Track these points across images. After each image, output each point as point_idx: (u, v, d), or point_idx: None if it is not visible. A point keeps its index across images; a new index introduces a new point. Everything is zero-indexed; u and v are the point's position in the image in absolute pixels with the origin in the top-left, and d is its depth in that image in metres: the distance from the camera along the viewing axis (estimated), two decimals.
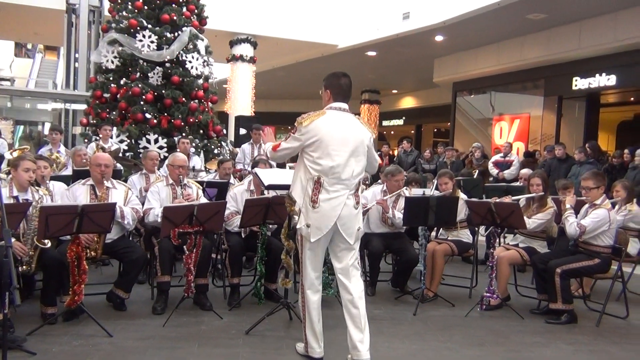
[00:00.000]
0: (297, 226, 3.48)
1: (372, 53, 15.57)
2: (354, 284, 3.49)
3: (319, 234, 3.43)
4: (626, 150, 8.82)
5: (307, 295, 3.54)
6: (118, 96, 8.95)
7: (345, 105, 3.55)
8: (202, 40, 9.47)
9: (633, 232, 5.64)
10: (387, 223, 5.52)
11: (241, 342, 3.99)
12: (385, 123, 23.69)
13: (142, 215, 4.88)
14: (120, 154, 7.78)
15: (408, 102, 23.61)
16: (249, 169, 7.14)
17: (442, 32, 13.01)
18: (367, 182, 6.89)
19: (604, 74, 11.94)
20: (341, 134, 3.43)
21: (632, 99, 13.93)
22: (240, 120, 12.86)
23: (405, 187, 5.71)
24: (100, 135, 8.09)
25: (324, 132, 3.39)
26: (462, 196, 5.75)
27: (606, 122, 14.96)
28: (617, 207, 5.49)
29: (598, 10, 10.88)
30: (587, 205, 5.03)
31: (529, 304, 5.30)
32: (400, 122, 24.57)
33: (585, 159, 9.22)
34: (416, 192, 5.67)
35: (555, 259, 4.89)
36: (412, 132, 25.20)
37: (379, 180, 6.70)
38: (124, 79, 9.06)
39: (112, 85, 9.06)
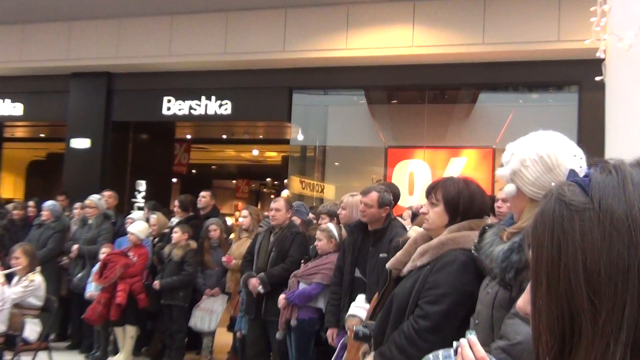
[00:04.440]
0: None
1: None
2: None
3: None
4: (31, 202, 6.88)
5: None
6: None
7: None
8: None
9: (33, 312, 5.07)
10: None
11: None
12: None
13: None
14: None
15: None
16: None
17: None
18: None
19: (9, 100, 9.83)
20: None
21: (42, 135, 12.33)
22: None
23: None
24: None
25: None
26: None
27: (15, 160, 13.20)
28: (16, 278, 5.07)
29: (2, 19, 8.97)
30: None
31: None
32: None
33: None
34: None
35: None
36: None
37: None
38: None
39: None
